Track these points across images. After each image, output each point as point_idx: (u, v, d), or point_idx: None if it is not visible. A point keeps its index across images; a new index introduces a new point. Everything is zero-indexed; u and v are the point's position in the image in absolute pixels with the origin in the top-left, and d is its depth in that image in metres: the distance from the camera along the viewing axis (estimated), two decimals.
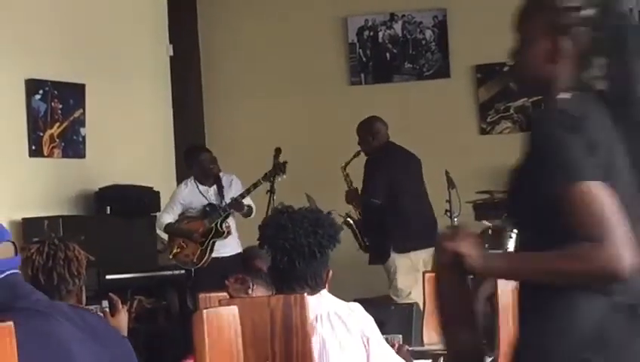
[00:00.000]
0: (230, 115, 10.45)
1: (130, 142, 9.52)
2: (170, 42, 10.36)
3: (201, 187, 8.66)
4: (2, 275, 3.00)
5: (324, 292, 3.87)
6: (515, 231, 2.53)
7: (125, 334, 3.59)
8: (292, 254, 3.80)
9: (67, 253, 3.59)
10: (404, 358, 4.09)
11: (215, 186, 8.65)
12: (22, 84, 8.56)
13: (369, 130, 8.44)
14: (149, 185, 9.20)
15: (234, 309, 3.47)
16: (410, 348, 4.76)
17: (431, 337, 5.03)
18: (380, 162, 8.30)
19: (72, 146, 8.95)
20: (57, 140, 8.80)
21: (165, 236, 8.91)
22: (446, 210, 8.74)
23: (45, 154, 8.69)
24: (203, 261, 8.56)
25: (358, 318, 3.85)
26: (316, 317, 3.76)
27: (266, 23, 10.42)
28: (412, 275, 7.86)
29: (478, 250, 2.45)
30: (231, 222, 8.62)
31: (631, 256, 2.26)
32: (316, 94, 10.23)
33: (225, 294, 4.50)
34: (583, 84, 2.46)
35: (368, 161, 8.43)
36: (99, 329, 3.16)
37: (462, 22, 9.95)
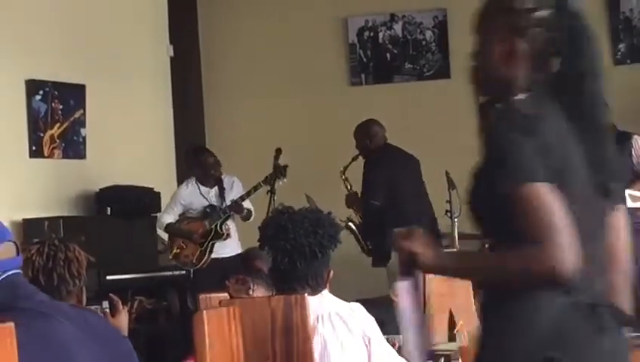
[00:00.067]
0: (230, 116, 10.45)
1: (130, 142, 9.52)
2: (171, 43, 10.36)
3: (202, 188, 8.66)
4: (4, 275, 3.00)
5: (325, 292, 3.86)
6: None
7: (126, 335, 3.59)
8: (293, 254, 3.80)
9: (67, 253, 3.58)
10: (405, 358, 4.09)
11: (216, 188, 8.65)
12: (22, 84, 8.56)
13: (366, 133, 8.45)
14: (150, 186, 9.20)
15: (234, 310, 3.47)
16: None
17: (432, 337, 5.03)
18: (378, 164, 8.30)
19: (73, 147, 8.96)
20: (58, 141, 8.80)
21: (165, 236, 8.92)
22: (446, 211, 8.73)
23: (46, 154, 8.69)
24: (202, 262, 8.57)
25: (360, 318, 3.85)
26: (317, 318, 3.76)
27: (267, 24, 10.42)
28: None
29: (431, 249, 2.52)
30: (231, 224, 8.63)
31: (572, 259, 2.28)
32: (316, 95, 10.23)
33: (225, 295, 4.50)
34: (540, 84, 2.48)
35: (366, 163, 8.43)
36: (100, 330, 3.16)
37: (462, 22, 9.89)
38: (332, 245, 3.86)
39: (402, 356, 4.12)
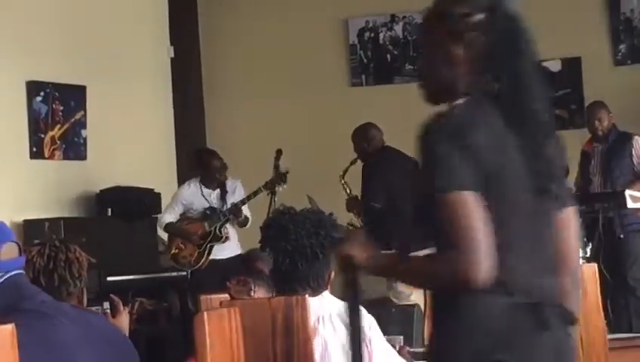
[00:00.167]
0: (231, 116, 10.45)
1: (131, 143, 9.52)
2: (171, 44, 10.36)
3: (204, 189, 8.66)
4: (7, 275, 3.01)
5: (326, 293, 3.86)
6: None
7: (126, 336, 3.59)
8: (294, 255, 3.80)
9: (68, 255, 3.58)
10: (405, 359, 4.09)
11: (219, 190, 8.65)
12: (23, 85, 8.57)
13: (363, 136, 8.44)
14: (150, 187, 9.21)
15: (235, 311, 3.47)
16: (411, 350, 4.77)
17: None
18: (376, 166, 8.30)
19: (73, 148, 8.96)
20: (58, 142, 8.81)
21: (166, 236, 8.92)
22: None
23: (46, 156, 8.69)
24: (200, 263, 8.57)
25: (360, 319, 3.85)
26: (318, 319, 3.76)
27: (267, 24, 10.42)
28: None
29: (366, 250, 2.58)
30: (230, 227, 8.62)
31: (486, 267, 2.32)
32: (317, 95, 10.23)
33: (226, 296, 4.50)
34: (479, 88, 2.50)
35: (365, 166, 8.43)
36: (102, 331, 3.16)
37: None
38: (333, 246, 3.85)
39: (402, 356, 4.12)
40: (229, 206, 8.56)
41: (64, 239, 3.69)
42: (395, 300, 8.11)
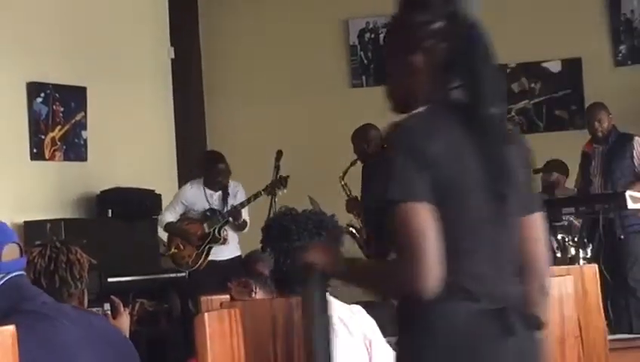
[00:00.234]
0: (231, 117, 10.45)
1: (131, 144, 9.53)
2: (172, 45, 10.37)
3: (207, 191, 8.66)
4: (8, 277, 3.01)
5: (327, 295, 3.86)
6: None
7: (127, 337, 3.59)
8: (295, 256, 3.80)
9: (69, 256, 3.59)
10: None
11: (220, 192, 8.65)
12: (23, 87, 8.57)
13: (363, 137, 8.45)
14: (151, 188, 9.21)
15: (236, 312, 3.47)
16: None
17: None
18: (376, 167, 8.28)
19: (74, 149, 8.96)
20: (59, 143, 8.81)
21: (165, 235, 8.91)
22: None
23: (47, 157, 8.70)
24: (197, 264, 8.57)
25: (360, 321, 3.84)
26: None
27: (267, 26, 10.42)
28: None
29: (330, 257, 2.62)
30: (229, 229, 8.61)
31: (434, 277, 2.34)
32: (317, 96, 10.23)
33: (226, 297, 4.50)
34: (440, 96, 2.52)
35: (365, 167, 8.43)
36: (103, 332, 3.17)
37: None
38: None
39: None
40: (229, 208, 8.56)
41: (65, 240, 3.70)
42: (394, 302, 8.11)
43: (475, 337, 2.41)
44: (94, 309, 4.30)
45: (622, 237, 7.99)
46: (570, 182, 8.96)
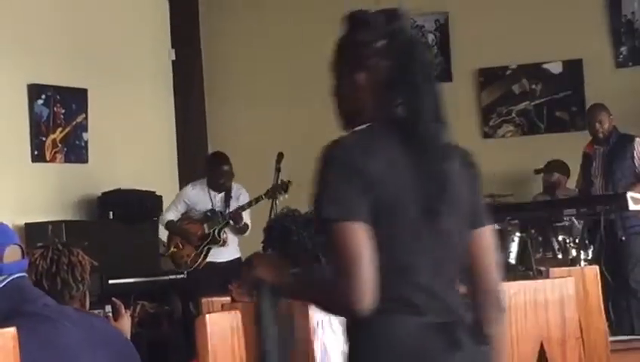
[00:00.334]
0: (232, 119, 10.45)
1: (132, 146, 9.53)
2: (173, 46, 10.37)
3: (210, 191, 8.65)
4: (10, 278, 3.01)
5: None
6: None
7: (128, 339, 3.60)
8: (296, 257, 3.80)
9: (71, 258, 3.59)
10: None
11: (223, 194, 8.64)
12: (24, 88, 8.58)
13: None
14: (152, 190, 9.21)
15: (237, 314, 3.47)
16: None
17: None
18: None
19: (75, 151, 8.97)
20: (60, 145, 8.81)
21: (165, 234, 8.91)
22: None
23: (48, 159, 8.70)
24: (196, 264, 8.57)
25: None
26: (317, 323, 3.76)
27: (268, 28, 10.42)
28: None
29: (274, 272, 2.63)
30: (229, 231, 8.60)
31: (367, 295, 2.37)
32: (319, 98, 10.19)
33: (227, 299, 4.50)
34: (383, 114, 2.54)
35: None
36: (105, 334, 3.17)
37: (464, 25, 9.96)
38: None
39: None
40: (231, 211, 8.56)
41: (66, 242, 3.70)
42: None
43: (421, 351, 2.43)
44: (96, 311, 4.31)
45: (623, 238, 7.99)
46: (572, 183, 8.96)
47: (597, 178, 8.34)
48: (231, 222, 8.53)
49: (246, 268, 2.66)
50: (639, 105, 9.20)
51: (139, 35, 9.95)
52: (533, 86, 9.84)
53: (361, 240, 2.38)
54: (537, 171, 9.23)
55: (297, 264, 3.81)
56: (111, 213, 8.93)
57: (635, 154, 8.20)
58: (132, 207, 8.99)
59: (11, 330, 2.15)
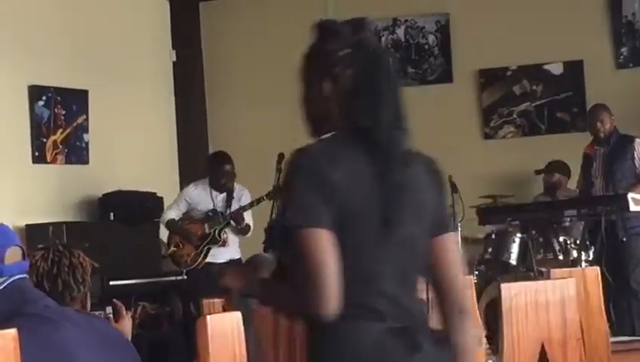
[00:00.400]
0: (233, 120, 10.45)
1: (133, 148, 9.53)
2: (173, 47, 10.37)
3: (212, 191, 8.65)
4: (11, 279, 3.01)
5: None
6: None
7: (129, 340, 3.60)
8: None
9: (72, 259, 3.59)
10: None
11: (225, 194, 8.64)
12: (25, 90, 8.58)
13: None
14: (153, 191, 9.21)
15: (238, 315, 3.47)
16: None
17: None
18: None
19: (76, 152, 8.96)
20: (60, 146, 8.81)
21: (166, 234, 8.91)
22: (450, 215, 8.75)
23: (48, 160, 8.70)
24: (195, 264, 8.56)
25: None
26: None
27: (269, 28, 10.42)
28: None
29: (243, 279, 2.70)
30: (229, 232, 8.60)
31: (331, 302, 2.40)
32: None
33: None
34: (348, 123, 2.57)
35: None
36: (106, 335, 3.17)
37: (464, 26, 9.96)
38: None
39: None
40: (232, 211, 8.55)
41: (67, 244, 3.70)
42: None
43: (383, 355, 2.46)
44: (96, 312, 4.31)
45: (624, 239, 7.99)
46: (572, 184, 8.96)
47: (597, 179, 8.34)
48: (232, 222, 8.52)
49: (219, 277, 2.72)
50: (639, 106, 9.21)
51: (139, 36, 9.95)
52: (534, 87, 9.84)
53: (326, 246, 2.42)
54: (538, 172, 9.24)
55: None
56: (112, 214, 8.93)
57: (635, 155, 8.20)
58: (133, 208, 8.99)
59: (12, 331, 2.15)
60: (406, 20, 10.22)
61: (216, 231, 8.54)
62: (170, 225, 8.70)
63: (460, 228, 8.76)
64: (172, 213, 8.71)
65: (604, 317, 4.62)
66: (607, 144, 8.32)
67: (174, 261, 8.71)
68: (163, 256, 9.10)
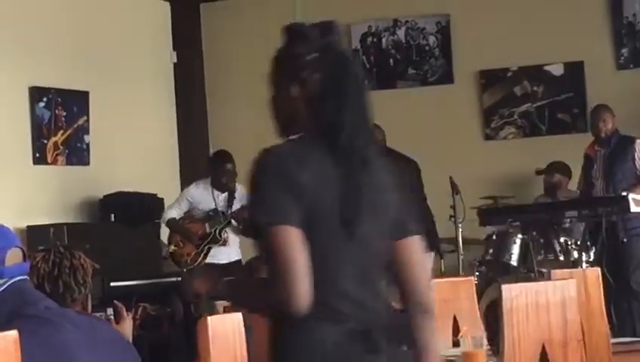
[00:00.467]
0: (234, 121, 10.45)
1: (134, 149, 9.53)
2: (174, 49, 10.38)
3: (214, 191, 8.64)
4: (11, 281, 3.01)
5: None
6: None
7: (130, 341, 3.60)
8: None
9: (73, 261, 3.59)
10: None
11: (227, 193, 8.63)
12: (26, 91, 8.58)
13: None
14: (153, 192, 9.21)
15: (238, 316, 3.47)
16: None
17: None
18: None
19: (76, 154, 8.97)
20: (61, 148, 8.81)
21: (166, 233, 8.91)
22: (450, 216, 8.76)
23: (49, 161, 8.70)
24: (196, 263, 8.56)
25: None
26: None
27: (270, 29, 10.41)
28: None
29: (208, 281, 2.74)
30: (230, 232, 8.60)
31: (302, 298, 2.43)
32: None
33: None
34: (314, 125, 2.62)
35: None
36: (107, 337, 3.17)
37: (465, 27, 9.96)
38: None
39: None
40: (233, 211, 8.55)
41: (68, 245, 3.70)
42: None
43: (342, 356, 2.48)
44: (97, 314, 4.31)
45: (625, 240, 7.99)
46: (573, 185, 8.96)
47: (598, 180, 8.35)
48: (233, 222, 8.53)
49: (188, 286, 2.80)
50: None
51: (140, 37, 9.96)
52: (535, 88, 9.84)
53: (296, 243, 2.45)
54: (539, 173, 9.23)
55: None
56: (112, 215, 8.93)
57: (635, 156, 8.20)
58: (134, 210, 8.99)
59: (13, 333, 2.15)
60: (407, 21, 10.23)
61: (217, 231, 8.54)
62: (171, 224, 8.70)
63: (460, 229, 8.77)
64: (173, 212, 8.70)
65: (605, 318, 4.62)
66: (607, 145, 8.32)
67: (174, 260, 8.71)
68: (164, 257, 9.10)
